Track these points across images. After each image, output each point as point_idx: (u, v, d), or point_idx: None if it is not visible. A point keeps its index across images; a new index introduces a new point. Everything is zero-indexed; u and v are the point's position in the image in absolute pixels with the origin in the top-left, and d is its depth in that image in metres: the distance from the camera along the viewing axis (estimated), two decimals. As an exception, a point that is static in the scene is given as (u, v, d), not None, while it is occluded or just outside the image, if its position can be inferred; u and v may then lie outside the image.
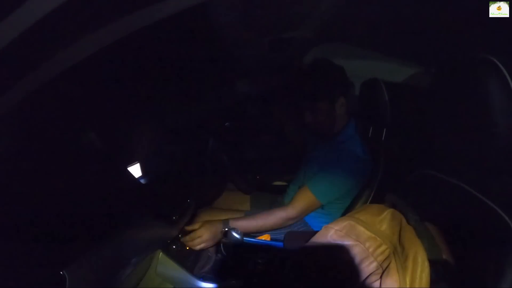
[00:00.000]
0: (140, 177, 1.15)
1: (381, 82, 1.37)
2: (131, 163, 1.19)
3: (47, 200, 0.78)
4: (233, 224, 1.22)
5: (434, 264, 0.74)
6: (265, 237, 1.35)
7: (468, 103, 0.78)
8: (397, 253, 0.77)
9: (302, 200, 1.27)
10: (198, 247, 1.21)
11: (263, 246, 1.25)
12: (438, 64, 0.90)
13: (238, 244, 1.16)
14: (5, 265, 0.62)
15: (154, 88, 1.39)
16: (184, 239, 1.21)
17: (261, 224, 1.28)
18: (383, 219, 0.85)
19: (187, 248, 1.24)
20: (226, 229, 1.19)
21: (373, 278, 0.76)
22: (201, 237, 1.19)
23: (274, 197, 1.66)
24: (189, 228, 1.22)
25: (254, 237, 1.33)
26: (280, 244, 1.25)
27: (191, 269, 1.20)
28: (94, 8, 0.60)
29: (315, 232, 0.93)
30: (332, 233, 0.88)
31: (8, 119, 0.76)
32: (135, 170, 1.19)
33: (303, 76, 1.34)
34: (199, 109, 1.78)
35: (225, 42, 1.16)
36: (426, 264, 0.71)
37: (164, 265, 1.12)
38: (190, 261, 1.26)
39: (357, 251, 0.83)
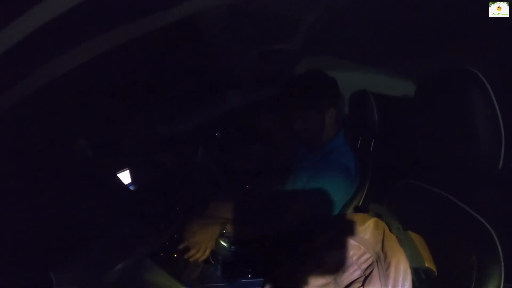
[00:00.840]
0: (129, 184, 1.16)
1: (369, 93, 1.40)
2: (121, 169, 1.19)
3: (35, 203, 0.79)
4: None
5: (417, 272, 0.75)
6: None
7: (451, 114, 0.80)
8: (380, 261, 0.78)
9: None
10: (202, 256, 1.18)
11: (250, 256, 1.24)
12: (421, 76, 0.92)
13: (225, 253, 1.15)
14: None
15: (145, 97, 1.40)
16: (188, 255, 1.19)
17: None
18: (367, 228, 0.86)
19: (175, 255, 1.24)
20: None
21: (355, 285, 0.77)
22: (201, 243, 1.17)
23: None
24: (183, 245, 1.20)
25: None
26: None
27: (179, 277, 1.20)
28: (88, 18, 0.62)
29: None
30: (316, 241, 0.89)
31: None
32: (125, 176, 1.19)
33: (295, 84, 1.35)
34: (189, 118, 1.80)
35: (215, 53, 1.18)
36: (408, 272, 0.73)
37: (152, 272, 1.12)
38: (178, 268, 1.25)
39: (341, 259, 0.84)
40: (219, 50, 1.18)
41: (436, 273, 0.74)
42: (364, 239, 0.85)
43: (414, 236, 0.79)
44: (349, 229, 0.88)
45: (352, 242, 0.86)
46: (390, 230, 0.83)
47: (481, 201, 0.79)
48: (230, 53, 1.23)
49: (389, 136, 1.37)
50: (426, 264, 0.73)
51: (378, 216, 0.90)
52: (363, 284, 0.75)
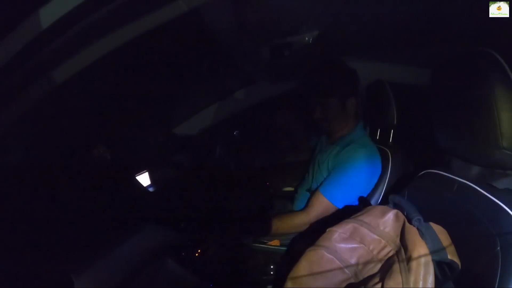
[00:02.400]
0: (148, 186, 1.17)
1: (386, 83, 1.36)
2: (140, 172, 1.22)
3: (57, 207, 0.81)
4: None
5: (439, 265, 0.72)
6: (275, 243, 1.35)
7: (468, 98, 0.77)
8: (401, 254, 0.75)
9: (317, 205, 1.26)
10: None
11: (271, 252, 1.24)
12: (437, 61, 0.89)
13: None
14: (14, 268, 0.64)
15: (161, 98, 1.42)
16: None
17: (275, 229, 1.28)
18: (387, 221, 0.84)
19: (196, 254, 1.25)
20: None
21: (376, 279, 0.75)
22: None
23: (283, 203, 1.66)
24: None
25: (264, 243, 1.33)
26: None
27: (201, 276, 1.21)
28: (96, 16, 0.62)
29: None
30: (336, 236, 0.87)
31: (19, 130, 0.80)
32: (144, 178, 1.21)
33: (316, 72, 1.36)
34: (206, 118, 1.81)
35: (225, 49, 1.18)
36: (430, 265, 0.70)
37: (173, 272, 1.13)
38: (200, 267, 1.26)
39: (361, 253, 0.82)
40: (229, 47, 1.18)
41: (460, 266, 0.70)
42: (385, 232, 0.83)
43: (436, 228, 0.76)
44: (368, 222, 0.86)
45: (372, 236, 0.84)
46: (410, 222, 0.80)
47: (507, 191, 0.75)
48: (241, 50, 1.23)
49: (408, 126, 1.33)
50: (449, 257, 0.70)
51: (398, 208, 0.88)
52: (383, 279, 0.73)
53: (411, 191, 0.99)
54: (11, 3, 0.57)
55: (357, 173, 1.25)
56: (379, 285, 0.73)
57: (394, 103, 1.33)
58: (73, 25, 0.60)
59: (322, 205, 1.24)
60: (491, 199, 0.73)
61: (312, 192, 1.33)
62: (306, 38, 1.14)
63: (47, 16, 0.58)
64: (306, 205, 1.30)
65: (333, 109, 1.33)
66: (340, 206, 1.24)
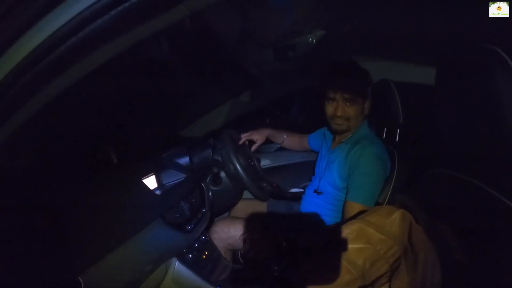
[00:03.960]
0: (155, 188, 1.18)
1: (391, 83, 1.36)
2: (146, 174, 1.22)
3: (64, 209, 0.82)
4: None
5: (446, 264, 0.72)
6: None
7: (474, 96, 0.76)
8: (408, 254, 0.75)
9: (353, 213, 1.18)
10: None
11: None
12: (441, 59, 0.88)
13: None
14: (22, 270, 0.65)
15: (167, 101, 1.43)
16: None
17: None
18: (393, 220, 0.83)
19: (203, 256, 1.26)
20: None
21: (383, 280, 0.75)
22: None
23: (290, 204, 1.66)
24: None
25: None
26: None
27: (207, 278, 1.22)
28: (102, 22, 0.63)
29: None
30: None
31: (26, 133, 0.81)
32: (150, 181, 1.22)
33: (341, 70, 1.35)
34: (212, 120, 1.82)
35: (230, 51, 1.19)
36: (437, 264, 0.70)
37: (180, 273, 1.14)
38: (207, 269, 1.27)
39: (368, 254, 0.82)
40: (233, 48, 1.19)
41: (467, 264, 0.70)
42: (391, 232, 0.83)
43: (443, 227, 0.76)
44: (375, 223, 0.86)
45: (378, 236, 0.83)
46: (417, 221, 0.80)
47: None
48: (245, 52, 1.24)
49: (414, 125, 1.32)
50: (456, 255, 0.69)
51: (405, 207, 0.87)
52: (390, 279, 0.73)
53: (417, 190, 0.99)
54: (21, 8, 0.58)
55: (375, 168, 1.24)
56: (387, 285, 0.73)
57: (399, 102, 1.32)
58: (78, 29, 0.61)
59: (356, 210, 1.18)
60: (498, 197, 0.72)
61: (344, 205, 1.30)
62: (310, 39, 1.14)
63: (54, 20, 0.59)
64: (343, 219, 1.28)
65: (355, 108, 1.32)
66: (372, 204, 1.20)
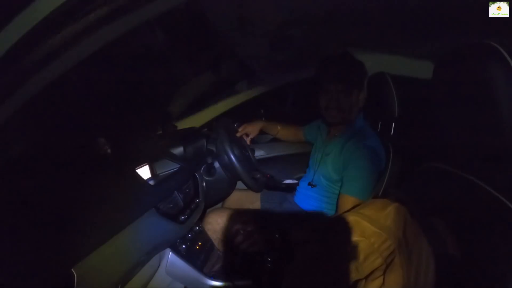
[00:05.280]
0: (148, 179, 1.17)
1: (387, 76, 1.35)
2: (140, 165, 1.21)
3: (57, 201, 0.81)
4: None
5: (440, 258, 0.72)
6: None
7: (471, 92, 0.76)
8: (402, 248, 0.75)
9: (346, 207, 1.19)
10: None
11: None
12: (439, 53, 0.88)
13: None
14: (14, 264, 0.64)
15: (161, 90, 1.41)
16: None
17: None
18: (388, 214, 0.83)
19: (197, 247, 1.25)
20: None
21: (377, 273, 0.75)
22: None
23: (284, 195, 1.66)
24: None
25: None
26: None
27: (201, 269, 1.22)
28: (94, 7, 0.61)
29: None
30: (336, 229, 0.87)
31: (19, 123, 0.79)
32: (144, 171, 1.21)
33: (335, 62, 1.35)
34: (208, 109, 1.81)
35: (225, 43, 1.17)
36: (431, 259, 0.70)
37: (174, 264, 1.14)
38: (200, 260, 1.27)
39: (362, 247, 0.82)
40: (228, 38, 1.17)
41: (460, 259, 0.71)
42: (385, 226, 0.83)
43: (437, 222, 0.76)
44: (369, 216, 0.86)
45: (373, 229, 0.83)
46: (411, 215, 0.80)
47: (508, 184, 0.75)
48: (241, 42, 1.22)
49: (410, 119, 1.32)
50: (450, 250, 0.70)
51: (399, 201, 0.88)
52: (384, 272, 0.73)
53: (412, 184, 0.99)
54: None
55: (370, 162, 1.24)
56: (381, 278, 0.73)
57: (395, 96, 1.32)
58: (70, 16, 0.59)
59: (350, 204, 1.18)
60: (492, 193, 0.73)
61: (338, 198, 1.30)
62: (307, 30, 1.13)
63: (45, 6, 0.57)
64: (336, 212, 1.28)
65: (348, 99, 1.32)
66: (366, 198, 1.21)
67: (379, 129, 1.50)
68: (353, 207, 1.18)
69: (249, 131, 1.68)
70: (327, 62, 1.36)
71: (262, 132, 1.75)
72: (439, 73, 0.88)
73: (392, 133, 1.40)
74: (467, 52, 0.77)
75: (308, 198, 1.45)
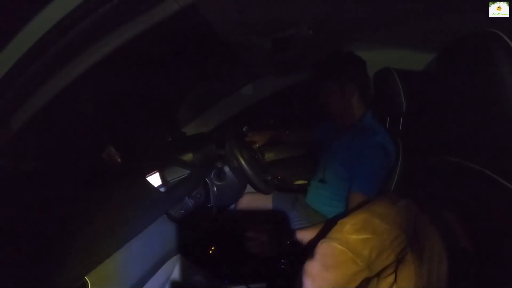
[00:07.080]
0: (159, 186, 1.18)
1: (393, 70, 1.34)
2: (150, 172, 1.23)
3: (70, 210, 0.83)
4: (299, 235, 1.19)
5: (452, 253, 0.71)
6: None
7: (475, 81, 0.75)
8: (413, 243, 0.74)
9: (356, 204, 1.17)
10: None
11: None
12: (443, 43, 0.87)
13: None
14: (29, 272, 0.66)
15: (168, 97, 1.43)
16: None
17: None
18: (399, 210, 0.83)
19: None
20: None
21: (389, 270, 0.74)
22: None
23: (295, 196, 1.66)
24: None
25: None
26: None
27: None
28: (97, 17, 0.62)
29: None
30: (347, 228, 0.87)
31: (28, 135, 0.81)
32: (154, 179, 1.22)
33: (321, 60, 1.41)
34: (215, 116, 1.82)
35: (228, 45, 1.18)
36: (443, 254, 0.69)
37: (187, 269, 1.15)
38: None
39: (374, 244, 0.81)
40: (231, 43, 1.17)
41: (473, 252, 0.69)
42: (397, 222, 0.82)
43: (449, 216, 0.75)
44: (380, 213, 0.85)
45: (384, 226, 0.82)
46: (422, 210, 0.79)
47: None
48: (243, 45, 1.22)
49: (417, 113, 1.31)
50: (462, 244, 0.69)
51: (410, 196, 0.87)
52: (396, 269, 0.72)
53: (422, 179, 0.98)
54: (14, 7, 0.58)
55: (379, 158, 1.24)
56: (393, 275, 0.72)
57: (402, 90, 1.30)
58: (71, 27, 0.60)
59: (360, 201, 1.16)
60: (504, 184, 0.71)
61: (348, 196, 1.29)
62: (308, 30, 1.13)
63: (47, 18, 0.58)
64: (349, 210, 1.27)
65: (333, 94, 1.37)
66: (376, 195, 1.19)
67: (387, 125, 1.48)
68: (363, 204, 1.18)
69: (257, 139, 1.69)
70: (318, 60, 1.42)
71: (270, 141, 1.74)
72: (443, 62, 0.87)
73: (400, 128, 1.38)
74: (471, 41, 0.76)
75: (319, 197, 1.45)
